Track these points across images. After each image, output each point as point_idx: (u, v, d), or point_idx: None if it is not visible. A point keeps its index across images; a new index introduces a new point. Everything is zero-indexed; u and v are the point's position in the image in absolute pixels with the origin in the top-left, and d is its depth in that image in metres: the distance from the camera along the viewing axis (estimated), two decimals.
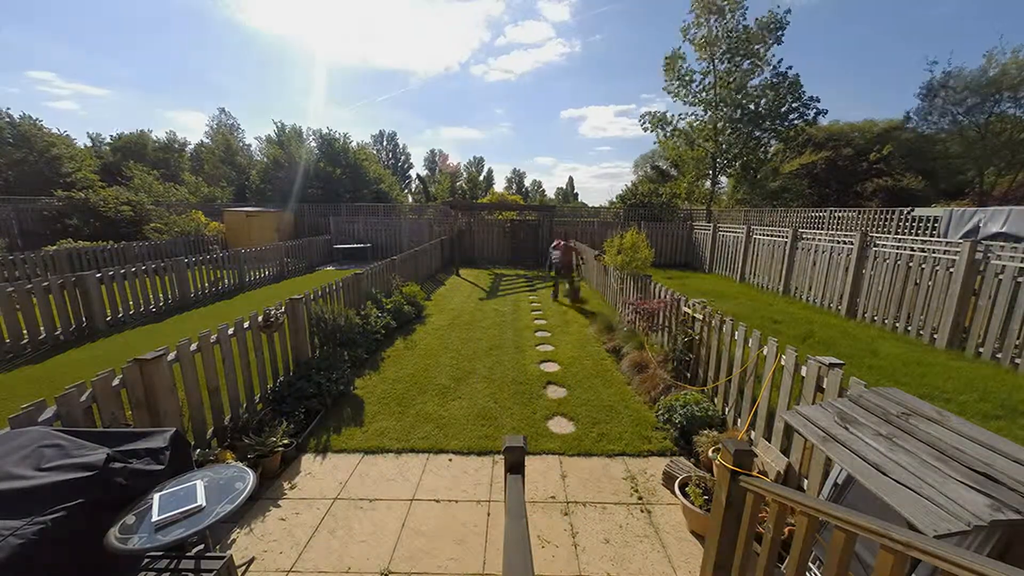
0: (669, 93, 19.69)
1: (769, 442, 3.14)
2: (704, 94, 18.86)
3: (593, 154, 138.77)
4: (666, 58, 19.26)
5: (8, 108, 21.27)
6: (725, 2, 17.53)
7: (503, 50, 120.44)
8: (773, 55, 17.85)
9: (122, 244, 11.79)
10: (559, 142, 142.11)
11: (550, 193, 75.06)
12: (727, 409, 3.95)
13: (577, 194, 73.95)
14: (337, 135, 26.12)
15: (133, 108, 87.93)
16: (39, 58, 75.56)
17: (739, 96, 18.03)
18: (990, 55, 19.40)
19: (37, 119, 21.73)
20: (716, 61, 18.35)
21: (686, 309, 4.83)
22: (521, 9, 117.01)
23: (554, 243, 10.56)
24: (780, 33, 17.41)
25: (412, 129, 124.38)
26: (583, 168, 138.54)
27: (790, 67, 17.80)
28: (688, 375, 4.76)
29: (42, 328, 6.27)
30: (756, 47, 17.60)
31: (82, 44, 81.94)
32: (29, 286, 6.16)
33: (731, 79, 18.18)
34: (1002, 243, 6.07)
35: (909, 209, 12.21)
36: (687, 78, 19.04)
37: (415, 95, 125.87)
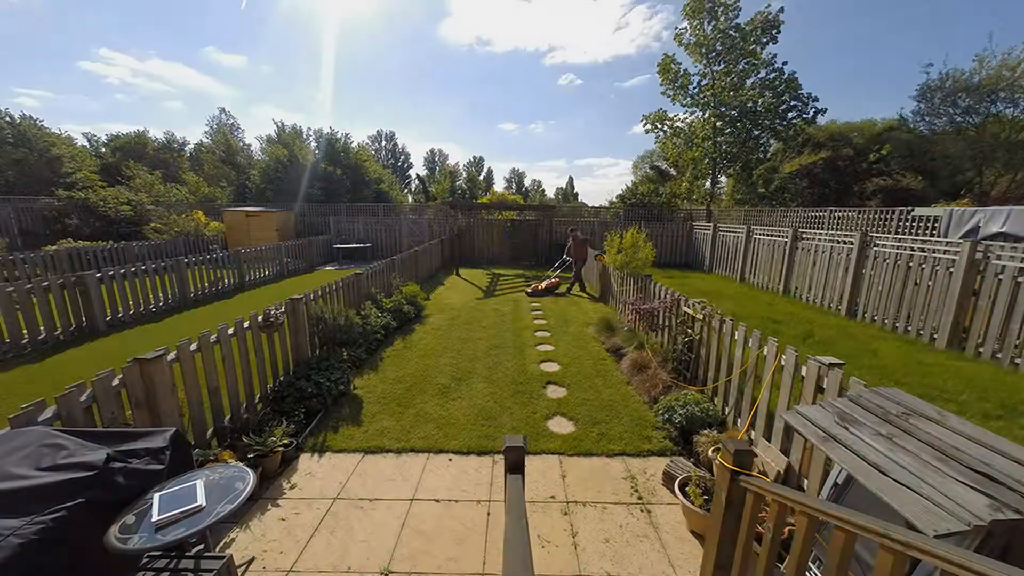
0: (667, 96, 19.69)
1: (769, 442, 3.14)
2: (701, 96, 18.86)
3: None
4: (659, 62, 19.24)
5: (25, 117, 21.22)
6: (716, 5, 17.52)
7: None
8: (770, 54, 17.84)
9: (122, 244, 11.79)
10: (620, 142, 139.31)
11: (550, 193, 75.24)
12: (727, 409, 3.95)
13: (577, 194, 74.09)
14: (338, 135, 26.16)
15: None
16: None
17: (736, 95, 18.00)
18: (980, 58, 19.39)
19: (38, 120, 21.73)
20: (711, 63, 18.32)
21: (686, 309, 4.83)
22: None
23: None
24: (775, 32, 17.40)
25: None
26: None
27: (785, 62, 17.80)
28: (688, 375, 4.76)
29: (42, 328, 6.27)
30: (752, 47, 17.57)
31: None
32: (29, 286, 6.15)
33: (727, 79, 18.17)
34: (1002, 243, 6.07)
35: (909, 209, 12.22)
36: (682, 81, 19.03)
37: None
